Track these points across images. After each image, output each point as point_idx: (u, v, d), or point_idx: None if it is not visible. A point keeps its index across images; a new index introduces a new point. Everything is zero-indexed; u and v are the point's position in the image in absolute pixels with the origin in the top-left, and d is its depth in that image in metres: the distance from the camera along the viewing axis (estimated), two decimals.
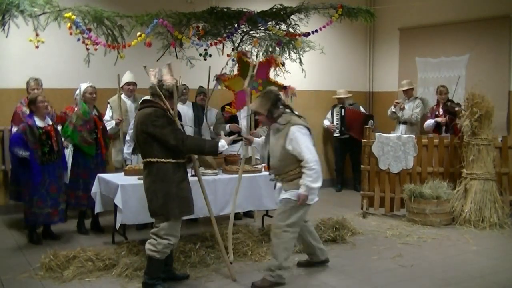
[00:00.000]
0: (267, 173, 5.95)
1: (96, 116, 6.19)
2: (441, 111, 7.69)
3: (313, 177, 4.41)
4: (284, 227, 4.50)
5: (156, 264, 4.36)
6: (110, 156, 6.80)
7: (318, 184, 4.45)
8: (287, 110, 4.65)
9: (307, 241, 4.97)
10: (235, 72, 6.17)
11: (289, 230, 4.51)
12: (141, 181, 5.33)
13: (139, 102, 4.60)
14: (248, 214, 6.92)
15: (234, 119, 7.00)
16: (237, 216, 6.85)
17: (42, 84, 6.44)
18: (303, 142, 4.43)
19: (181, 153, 4.35)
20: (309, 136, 4.53)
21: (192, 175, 5.17)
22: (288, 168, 4.52)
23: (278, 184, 4.71)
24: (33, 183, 5.65)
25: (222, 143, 4.45)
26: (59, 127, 6.12)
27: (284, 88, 6.17)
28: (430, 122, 7.78)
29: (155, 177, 4.30)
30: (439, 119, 7.65)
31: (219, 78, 6.13)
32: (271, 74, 6.29)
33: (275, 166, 4.61)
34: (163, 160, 4.28)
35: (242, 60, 6.03)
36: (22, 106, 6.26)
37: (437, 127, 7.72)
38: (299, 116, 4.66)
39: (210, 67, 6.06)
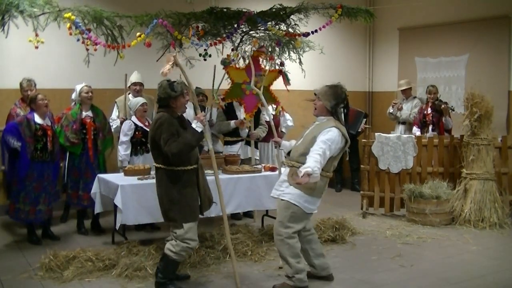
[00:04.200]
0: (267, 173, 5.98)
1: (89, 117, 6.16)
2: (429, 110, 7.69)
3: (315, 165, 4.07)
4: (285, 235, 4.38)
5: (172, 264, 4.39)
6: (110, 157, 6.77)
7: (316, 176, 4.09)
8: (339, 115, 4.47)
9: (306, 252, 4.67)
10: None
11: (290, 237, 4.39)
12: (141, 182, 5.38)
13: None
14: (248, 214, 6.92)
15: (232, 115, 6.89)
16: (237, 216, 6.86)
17: (35, 85, 6.40)
18: (325, 143, 4.21)
19: (174, 158, 4.26)
20: (336, 145, 4.29)
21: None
22: (304, 158, 4.29)
23: (284, 176, 4.53)
24: (19, 177, 5.63)
25: (195, 125, 4.34)
26: None
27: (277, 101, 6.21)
28: (414, 131, 7.81)
29: (160, 182, 4.39)
30: (417, 134, 7.62)
31: (227, 61, 6.01)
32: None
33: (296, 149, 4.44)
34: (165, 167, 4.33)
35: (255, 60, 6.02)
36: (17, 108, 6.26)
37: (423, 125, 7.75)
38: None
39: (215, 66, 6.05)
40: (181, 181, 4.33)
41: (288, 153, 4.63)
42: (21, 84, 6.38)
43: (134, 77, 6.80)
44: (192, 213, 4.38)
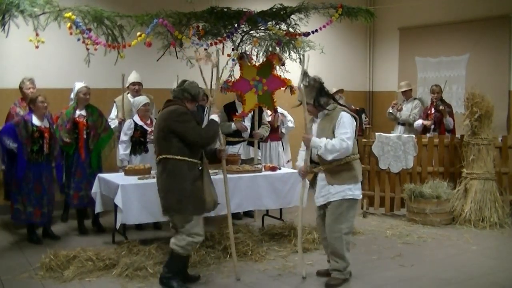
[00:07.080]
0: (267, 173, 5.98)
1: (82, 116, 6.14)
2: (432, 110, 7.69)
3: (335, 149, 4.28)
4: (344, 230, 4.49)
5: (177, 259, 4.41)
6: (111, 157, 6.75)
7: (330, 156, 4.32)
8: (332, 100, 4.56)
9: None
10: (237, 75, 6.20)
11: (348, 231, 4.55)
12: (141, 181, 5.37)
13: (164, 102, 4.60)
14: (248, 214, 6.91)
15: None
16: (237, 216, 6.85)
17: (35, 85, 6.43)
18: (348, 127, 4.36)
19: (200, 148, 4.43)
20: (354, 126, 4.44)
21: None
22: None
23: (321, 182, 4.53)
24: (17, 177, 5.63)
25: (213, 116, 4.57)
26: None
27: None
28: (418, 123, 7.80)
29: (171, 173, 4.34)
30: (425, 122, 7.67)
31: (223, 88, 6.09)
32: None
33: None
34: (179, 157, 4.32)
35: (245, 64, 6.05)
36: (16, 107, 6.27)
37: (424, 129, 7.73)
38: (343, 106, 4.62)
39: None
40: (193, 172, 4.38)
41: (311, 161, 4.61)
42: (22, 83, 6.38)
43: (132, 77, 6.80)
44: (203, 205, 4.41)
